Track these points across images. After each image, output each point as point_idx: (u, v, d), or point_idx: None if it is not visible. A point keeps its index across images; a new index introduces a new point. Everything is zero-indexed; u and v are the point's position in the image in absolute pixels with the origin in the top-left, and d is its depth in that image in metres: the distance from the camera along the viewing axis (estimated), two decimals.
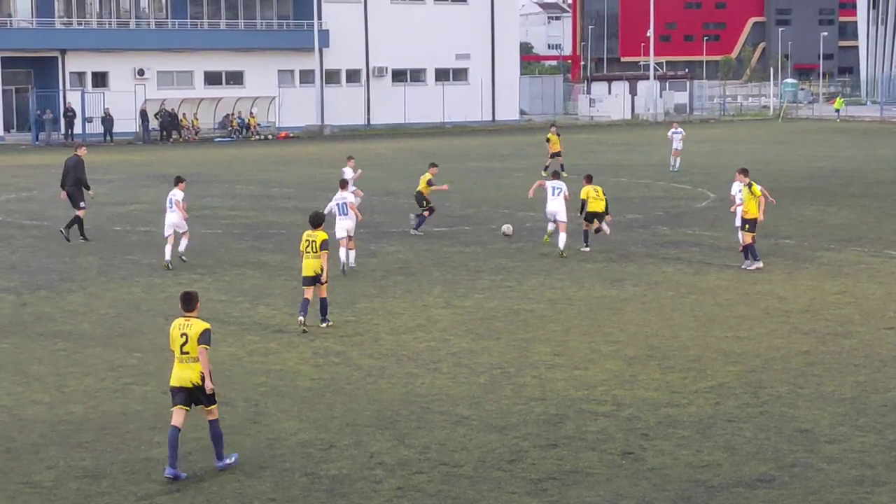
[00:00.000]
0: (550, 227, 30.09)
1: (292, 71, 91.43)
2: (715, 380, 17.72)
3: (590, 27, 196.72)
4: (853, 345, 19.77)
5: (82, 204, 33.02)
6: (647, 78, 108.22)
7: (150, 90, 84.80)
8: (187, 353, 13.87)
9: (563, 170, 46.64)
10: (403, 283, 26.08)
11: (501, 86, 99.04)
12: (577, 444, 14.84)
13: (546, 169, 48.37)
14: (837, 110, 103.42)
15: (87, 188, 33.41)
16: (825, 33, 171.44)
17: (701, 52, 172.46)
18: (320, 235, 21.36)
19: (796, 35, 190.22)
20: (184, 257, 28.83)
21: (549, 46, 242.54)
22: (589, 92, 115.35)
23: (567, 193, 29.79)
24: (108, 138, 79.10)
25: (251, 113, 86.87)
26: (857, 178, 46.90)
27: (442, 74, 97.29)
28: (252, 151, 70.77)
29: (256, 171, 55.99)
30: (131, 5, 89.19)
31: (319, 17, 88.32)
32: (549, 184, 30.18)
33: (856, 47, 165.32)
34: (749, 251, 27.31)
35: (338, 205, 27.27)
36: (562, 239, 29.21)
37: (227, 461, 14.18)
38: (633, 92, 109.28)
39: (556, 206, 29.57)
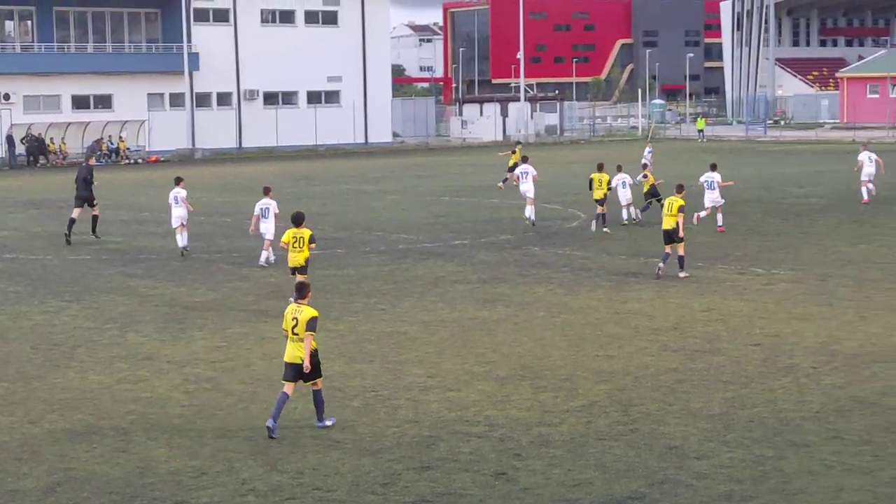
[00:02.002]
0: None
1: (162, 94, 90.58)
2: (586, 398, 17.87)
3: (461, 49, 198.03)
4: (721, 361, 20.08)
5: None
6: (518, 99, 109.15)
7: (16, 115, 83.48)
8: (297, 334, 16.09)
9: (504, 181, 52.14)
10: (275, 308, 25.85)
11: (373, 108, 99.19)
12: (450, 466, 14.85)
13: (505, 181, 53.54)
14: (700, 131, 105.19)
15: None
16: (691, 55, 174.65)
17: (571, 74, 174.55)
18: (306, 232, 25.26)
19: (663, 56, 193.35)
20: (187, 249, 33.23)
21: (420, 68, 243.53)
22: (461, 114, 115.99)
23: (535, 174, 40.40)
24: None
25: (120, 137, 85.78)
26: (728, 195, 47.62)
27: (314, 97, 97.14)
28: (122, 176, 69.89)
29: (126, 195, 55.31)
30: None
31: (189, 40, 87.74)
32: (519, 170, 41.18)
33: (721, 68, 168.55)
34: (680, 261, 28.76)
35: (262, 209, 31.00)
36: (529, 210, 39.26)
37: (327, 422, 16.49)
38: (505, 113, 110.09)
39: (527, 186, 39.98)
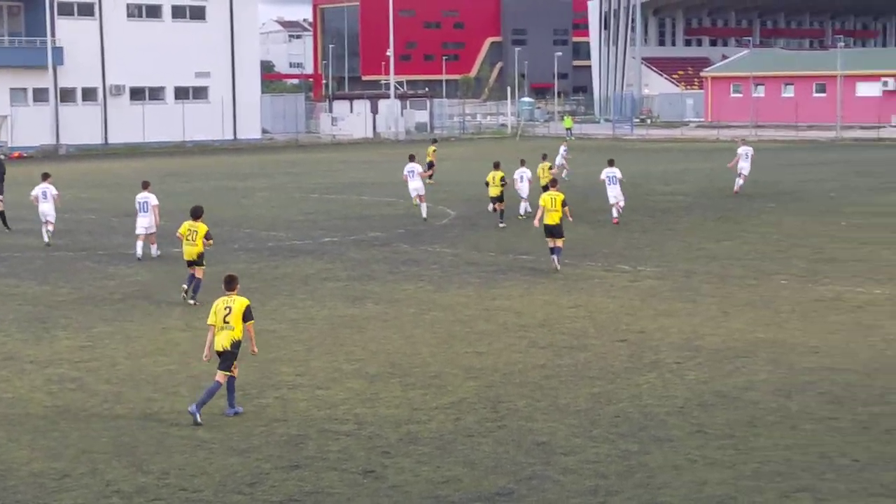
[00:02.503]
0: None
1: (25, 89, 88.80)
2: (455, 395, 17.93)
3: (331, 46, 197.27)
4: (588, 357, 20.30)
5: None
6: (389, 96, 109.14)
7: None
8: (228, 322, 16.83)
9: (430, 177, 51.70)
10: (142, 307, 25.59)
11: (242, 104, 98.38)
12: (318, 465, 14.80)
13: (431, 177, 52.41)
14: (568, 129, 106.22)
15: None
16: (559, 53, 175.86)
17: (441, 72, 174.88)
18: (202, 227, 25.57)
19: (532, 55, 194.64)
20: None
21: (290, 65, 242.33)
22: (331, 110, 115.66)
23: (422, 172, 41.83)
24: None
25: None
26: (592, 194, 48.19)
27: (182, 92, 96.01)
28: None
29: None
30: None
31: (53, 34, 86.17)
32: (407, 169, 41.52)
33: (589, 67, 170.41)
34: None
35: (140, 203, 31.63)
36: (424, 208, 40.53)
37: (239, 409, 17.01)
38: (375, 110, 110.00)
39: (416, 184, 41.04)
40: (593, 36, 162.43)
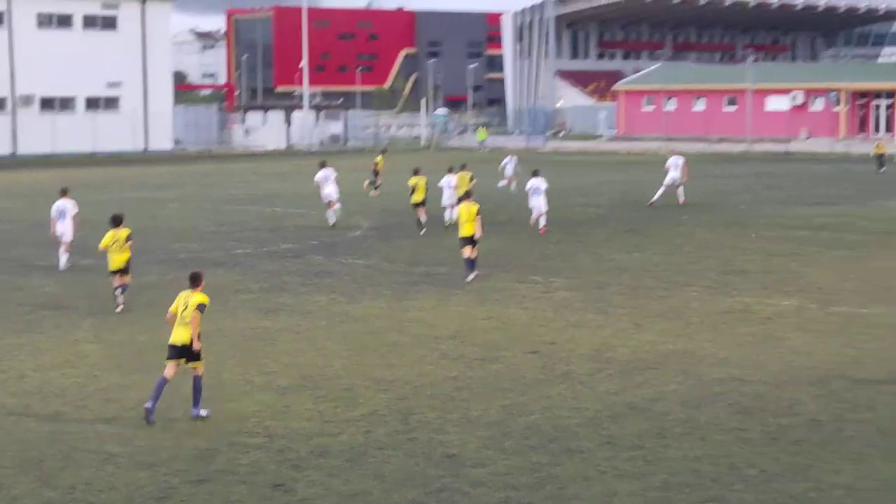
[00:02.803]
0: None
1: None
2: (367, 408, 17.87)
3: (244, 56, 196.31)
4: (499, 369, 20.33)
5: None
6: (302, 108, 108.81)
7: None
8: (185, 317, 17.24)
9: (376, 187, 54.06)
10: (51, 318, 25.25)
11: (154, 115, 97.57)
12: (228, 479, 14.67)
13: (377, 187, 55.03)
14: (482, 141, 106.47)
15: None
16: (473, 66, 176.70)
17: (355, 83, 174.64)
18: (124, 232, 25.88)
19: (446, 67, 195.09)
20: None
21: (203, 75, 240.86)
22: (244, 121, 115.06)
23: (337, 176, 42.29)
24: None
25: None
26: (505, 205, 48.41)
27: (93, 103, 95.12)
28: None
29: None
30: None
31: None
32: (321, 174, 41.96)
33: (503, 79, 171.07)
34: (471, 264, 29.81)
35: (58, 210, 31.56)
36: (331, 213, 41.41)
37: (201, 412, 17.17)
38: (289, 121, 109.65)
39: (330, 189, 41.50)
40: (507, 48, 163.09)
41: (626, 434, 16.41)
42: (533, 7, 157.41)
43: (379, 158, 59.57)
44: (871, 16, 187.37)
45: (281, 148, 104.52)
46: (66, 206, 31.52)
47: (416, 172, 41.33)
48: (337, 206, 42.29)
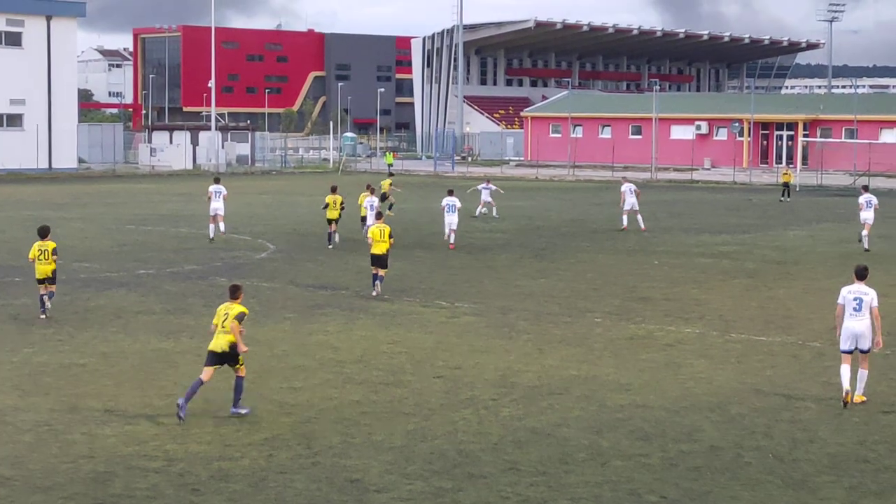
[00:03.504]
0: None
1: None
2: (269, 432, 17.71)
3: (151, 76, 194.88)
4: (403, 394, 20.27)
5: None
6: (209, 128, 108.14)
7: None
8: (224, 327, 18.55)
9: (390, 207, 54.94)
10: None
11: (59, 132, 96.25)
12: (125, 502, 14.43)
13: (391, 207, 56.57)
14: (390, 165, 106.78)
15: None
16: (382, 89, 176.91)
17: (263, 104, 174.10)
18: (51, 244, 27.22)
19: (355, 90, 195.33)
20: None
21: (110, 94, 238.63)
22: (150, 141, 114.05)
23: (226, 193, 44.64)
24: None
25: None
26: (412, 229, 48.42)
27: None
28: None
29: None
30: None
31: None
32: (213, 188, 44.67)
33: (412, 103, 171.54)
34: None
35: None
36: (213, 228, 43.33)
37: (241, 410, 18.58)
38: (195, 142, 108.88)
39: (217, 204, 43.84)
40: (416, 73, 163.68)
41: (529, 459, 16.43)
42: (442, 32, 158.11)
43: (387, 182, 60.29)
44: (775, 48, 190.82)
45: (187, 168, 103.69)
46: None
47: (333, 190, 43.87)
48: (221, 223, 44.50)
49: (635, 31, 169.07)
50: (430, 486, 15.21)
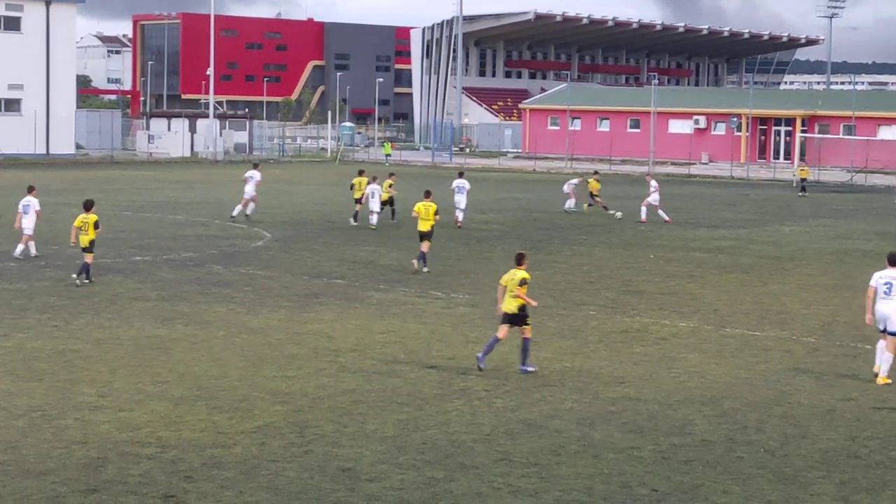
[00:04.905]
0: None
1: None
2: (262, 420, 17.74)
3: (150, 63, 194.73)
4: (397, 383, 20.30)
5: None
6: (207, 116, 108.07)
7: None
8: (513, 291, 21.12)
9: (607, 209, 53.78)
10: None
11: (56, 118, 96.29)
12: (117, 489, 14.46)
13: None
14: (388, 155, 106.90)
15: None
16: (381, 80, 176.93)
17: (262, 93, 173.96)
18: (92, 217, 30.18)
19: (354, 80, 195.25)
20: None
21: (108, 80, 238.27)
22: (148, 128, 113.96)
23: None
24: None
25: None
26: (407, 220, 48.40)
27: None
28: None
29: None
30: None
31: None
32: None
33: (410, 94, 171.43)
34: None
35: (23, 206, 35.17)
36: None
37: (529, 368, 21.19)
38: (193, 130, 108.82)
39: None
40: (415, 64, 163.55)
41: (521, 451, 16.46)
42: (442, 23, 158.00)
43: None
44: (774, 43, 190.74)
45: (185, 156, 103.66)
46: (31, 202, 35.10)
47: (360, 173, 47.87)
48: (249, 205, 47.80)
49: (635, 25, 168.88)
50: (422, 476, 15.24)
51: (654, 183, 52.66)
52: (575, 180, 58.81)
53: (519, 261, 21.94)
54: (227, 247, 39.18)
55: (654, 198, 51.88)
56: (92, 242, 30.20)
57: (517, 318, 21.33)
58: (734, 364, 22.63)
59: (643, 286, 32.48)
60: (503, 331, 21.44)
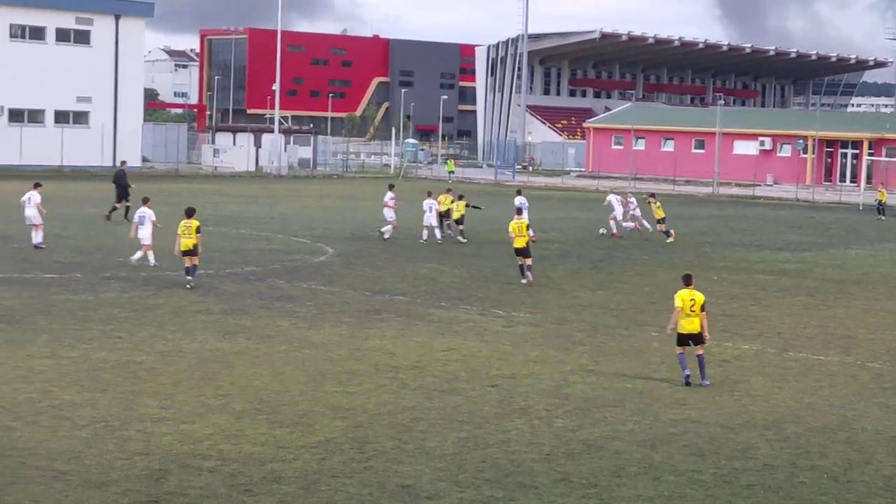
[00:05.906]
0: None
1: None
2: (322, 435, 17.78)
3: (216, 77, 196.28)
4: (458, 401, 20.28)
5: None
6: (273, 131, 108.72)
7: None
8: (693, 311, 22.31)
9: (668, 235, 51.21)
10: (5, 332, 25.03)
11: (124, 131, 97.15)
12: (178, 501, 14.53)
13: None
14: (451, 172, 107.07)
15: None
16: (445, 96, 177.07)
17: (326, 109, 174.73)
18: (195, 223, 32.29)
19: (418, 97, 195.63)
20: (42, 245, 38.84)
21: (175, 94, 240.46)
22: (214, 142, 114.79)
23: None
24: None
25: None
26: (472, 237, 48.44)
27: (62, 116, 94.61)
28: None
29: None
30: None
31: None
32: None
33: (474, 111, 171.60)
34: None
35: (139, 217, 36.67)
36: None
37: (706, 382, 22.20)
38: (258, 144, 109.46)
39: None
40: (480, 81, 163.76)
41: (581, 471, 16.39)
42: (507, 41, 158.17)
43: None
44: (842, 65, 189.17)
45: (249, 170, 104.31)
46: (146, 213, 36.68)
47: (447, 191, 49.95)
48: (386, 227, 47.53)
49: (701, 45, 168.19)
50: (482, 495, 15.20)
51: (633, 200, 54.59)
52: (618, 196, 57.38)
53: (687, 281, 23.02)
54: (290, 261, 39.35)
55: (619, 211, 53.28)
56: (195, 246, 32.15)
57: (695, 338, 22.36)
58: (798, 388, 22.42)
59: (706, 308, 32.18)
60: (680, 349, 22.52)
